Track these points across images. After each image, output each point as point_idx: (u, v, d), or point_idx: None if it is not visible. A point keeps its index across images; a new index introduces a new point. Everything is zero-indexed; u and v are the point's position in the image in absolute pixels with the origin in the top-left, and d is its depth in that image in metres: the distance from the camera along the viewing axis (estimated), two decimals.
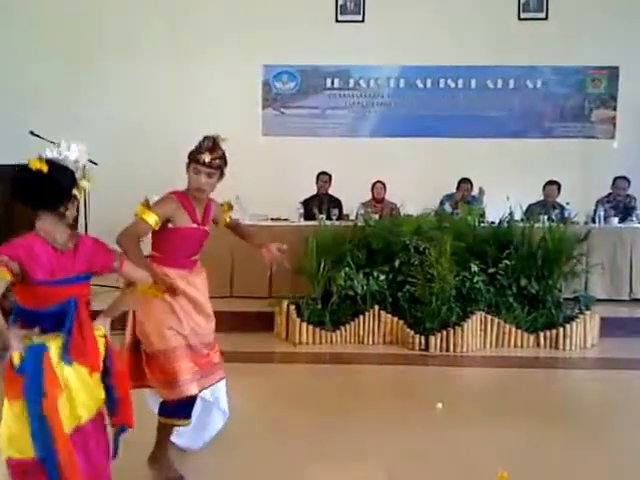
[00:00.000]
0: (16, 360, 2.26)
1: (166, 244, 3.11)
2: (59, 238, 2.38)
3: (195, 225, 3.13)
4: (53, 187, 2.36)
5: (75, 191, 2.43)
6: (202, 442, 3.39)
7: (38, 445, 2.26)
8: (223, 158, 3.16)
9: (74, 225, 2.47)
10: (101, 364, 2.46)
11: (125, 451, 2.67)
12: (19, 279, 2.29)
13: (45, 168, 2.33)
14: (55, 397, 2.29)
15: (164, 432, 3.15)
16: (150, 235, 3.11)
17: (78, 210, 2.46)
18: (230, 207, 3.50)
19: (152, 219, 2.99)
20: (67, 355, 2.32)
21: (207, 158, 3.08)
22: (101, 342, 2.48)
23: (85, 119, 9.11)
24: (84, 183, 2.48)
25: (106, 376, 2.50)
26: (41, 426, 2.25)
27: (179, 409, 3.08)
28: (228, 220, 3.48)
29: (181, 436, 3.33)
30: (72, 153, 2.52)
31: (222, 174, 3.19)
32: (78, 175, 2.46)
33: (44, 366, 2.28)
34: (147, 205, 3.04)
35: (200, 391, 3.13)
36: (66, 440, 2.29)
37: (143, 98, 9.14)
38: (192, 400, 3.10)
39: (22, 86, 8.73)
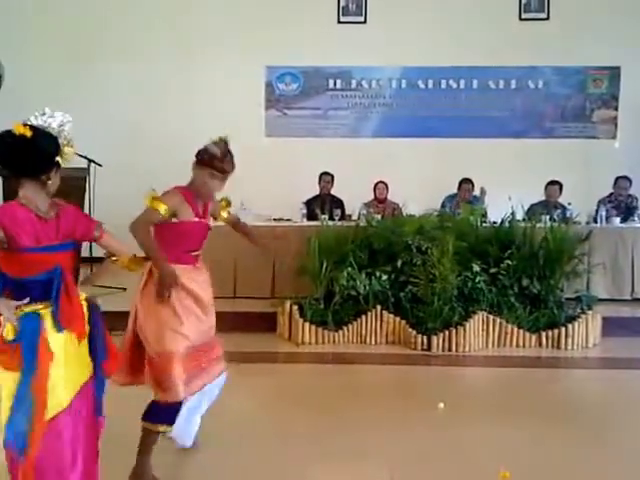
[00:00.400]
0: (10, 332, 2.28)
1: (169, 239, 3.13)
2: (41, 206, 2.37)
3: (197, 219, 3.17)
4: (36, 153, 2.36)
5: (59, 158, 2.44)
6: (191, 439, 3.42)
7: (15, 420, 2.27)
8: (233, 163, 3.21)
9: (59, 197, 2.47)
10: (87, 327, 2.50)
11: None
12: (4, 246, 2.29)
13: (29, 133, 2.33)
14: (45, 374, 2.31)
15: (148, 442, 3.11)
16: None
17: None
18: (228, 203, 3.53)
19: (162, 208, 3.04)
20: (58, 322, 2.36)
21: (227, 167, 3.14)
22: (84, 306, 2.54)
23: (87, 121, 9.09)
24: (68, 150, 2.49)
25: (94, 330, 2.54)
26: (24, 401, 2.27)
27: (167, 413, 3.08)
28: (226, 216, 3.51)
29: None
30: (55, 120, 2.49)
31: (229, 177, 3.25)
32: (61, 142, 2.47)
33: (40, 335, 2.32)
34: (156, 195, 3.09)
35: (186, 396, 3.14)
36: (43, 425, 2.31)
37: (145, 99, 9.17)
38: (180, 405, 3.11)
39: (24, 86, 8.74)
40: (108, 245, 2.64)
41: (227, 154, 3.16)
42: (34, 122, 2.43)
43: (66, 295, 2.39)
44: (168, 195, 3.13)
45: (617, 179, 7.79)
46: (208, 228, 3.29)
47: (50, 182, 2.41)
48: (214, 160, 3.14)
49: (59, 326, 2.36)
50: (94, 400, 2.57)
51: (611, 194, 7.79)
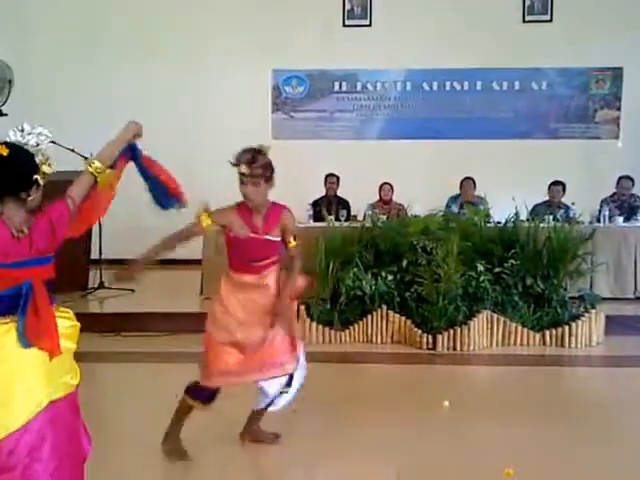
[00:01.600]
0: None
1: (230, 249, 3.32)
2: (17, 223, 2.31)
3: (252, 234, 3.26)
4: (12, 171, 2.32)
5: (37, 176, 2.39)
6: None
7: None
8: (264, 166, 3.26)
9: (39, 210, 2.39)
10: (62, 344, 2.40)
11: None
12: None
13: (5, 152, 2.28)
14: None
15: (182, 412, 3.33)
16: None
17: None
18: (294, 237, 3.48)
19: (205, 222, 3.21)
20: (24, 338, 2.28)
21: (244, 169, 3.23)
22: (65, 324, 2.45)
23: (97, 125, 9.22)
24: (46, 168, 2.45)
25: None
26: None
27: (200, 393, 3.29)
28: (289, 245, 3.45)
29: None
30: (32, 137, 2.46)
31: (268, 180, 3.30)
32: (39, 160, 2.43)
33: (5, 349, 2.27)
34: (206, 209, 3.24)
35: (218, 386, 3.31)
36: None
37: (152, 102, 9.22)
38: (211, 390, 3.29)
39: (31, 88, 8.83)
40: (77, 190, 2.53)
41: (247, 157, 3.22)
42: (12, 138, 2.41)
43: (34, 310, 2.30)
44: (220, 211, 3.30)
45: (620, 179, 7.83)
46: (269, 242, 3.32)
47: (30, 199, 2.37)
48: (236, 165, 3.26)
49: (24, 341, 2.27)
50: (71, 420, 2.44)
51: (614, 194, 7.83)
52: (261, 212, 3.31)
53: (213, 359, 3.23)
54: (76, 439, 2.44)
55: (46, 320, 2.34)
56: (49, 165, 2.49)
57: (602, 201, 7.72)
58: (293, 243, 3.42)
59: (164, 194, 2.94)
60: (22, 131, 2.45)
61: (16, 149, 2.35)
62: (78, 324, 2.55)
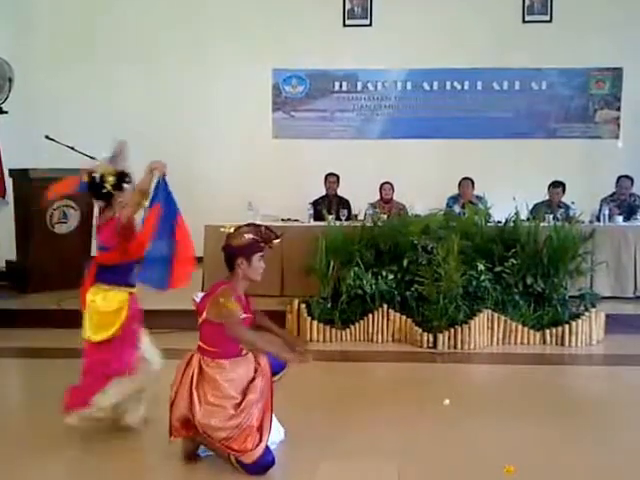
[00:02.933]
0: None
1: (221, 336, 3.18)
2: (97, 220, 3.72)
3: (244, 315, 3.23)
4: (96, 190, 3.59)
5: (107, 187, 3.57)
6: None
7: None
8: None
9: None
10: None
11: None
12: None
13: (87, 179, 3.46)
14: None
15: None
16: (201, 329, 3.24)
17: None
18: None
19: (238, 307, 3.15)
20: None
21: (277, 242, 3.26)
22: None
23: (97, 123, 9.24)
24: (110, 179, 3.58)
25: None
26: None
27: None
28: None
29: None
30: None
31: None
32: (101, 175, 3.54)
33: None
34: (229, 298, 3.15)
35: None
36: None
37: (153, 101, 9.26)
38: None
39: (33, 88, 8.85)
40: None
41: (270, 232, 3.25)
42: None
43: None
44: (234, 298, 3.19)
45: (619, 178, 7.85)
46: (252, 321, 3.34)
47: (119, 200, 3.53)
48: (264, 240, 3.23)
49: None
50: None
51: (614, 193, 7.85)
52: (243, 289, 3.31)
53: None
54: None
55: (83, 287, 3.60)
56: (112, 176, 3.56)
57: (602, 200, 7.74)
58: None
59: (161, 273, 3.40)
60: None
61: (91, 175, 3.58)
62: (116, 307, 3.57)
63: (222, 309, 3.11)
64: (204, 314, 3.20)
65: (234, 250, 3.20)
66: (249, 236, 3.20)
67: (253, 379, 3.24)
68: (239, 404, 3.15)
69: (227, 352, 3.21)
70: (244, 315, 3.20)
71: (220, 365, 3.18)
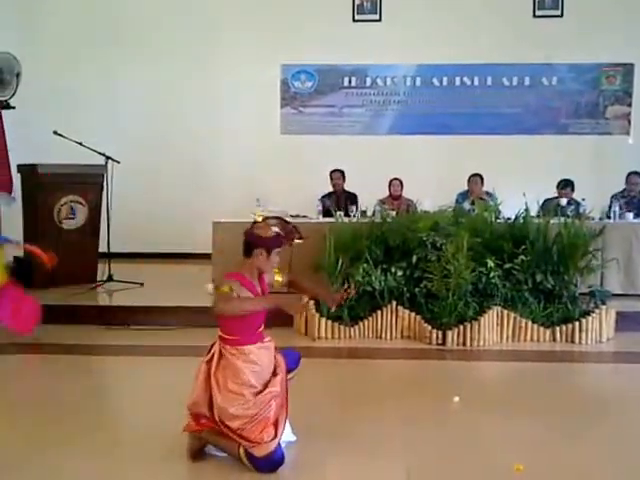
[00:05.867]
0: None
1: (238, 324, 3.19)
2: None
3: (250, 295, 3.22)
4: None
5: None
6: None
7: None
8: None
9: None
10: None
11: None
12: None
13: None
14: None
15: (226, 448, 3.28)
16: (218, 318, 3.22)
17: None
18: (279, 270, 3.48)
19: (227, 287, 3.13)
20: None
21: (298, 239, 3.29)
22: None
23: (107, 118, 9.27)
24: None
25: None
26: None
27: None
28: (281, 280, 3.46)
29: None
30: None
31: None
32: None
33: None
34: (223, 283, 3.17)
35: None
36: None
37: (162, 97, 9.28)
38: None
39: (47, 87, 8.88)
40: None
41: (291, 228, 3.29)
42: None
43: None
44: (230, 281, 3.18)
45: (629, 175, 7.80)
46: None
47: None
48: (287, 236, 3.26)
49: None
50: None
51: (624, 190, 7.80)
52: (255, 276, 3.30)
53: None
54: None
55: None
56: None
57: (612, 197, 7.69)
58: (280, 274, 3.45)
59: None
60: None
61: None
62: None
63: (216, 295, 3.16)
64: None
65: (256, 240, 3.20)
66: (275, 230, 3.20)
67: (276, 374, 3.25)
68: (258, 393, 3.16)
69: (247, 340, 3.21)
70: (248, 295, 3.20)
71: (241, 351, 3.19)
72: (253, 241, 3.21)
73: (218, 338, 3.27)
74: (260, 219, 3.27)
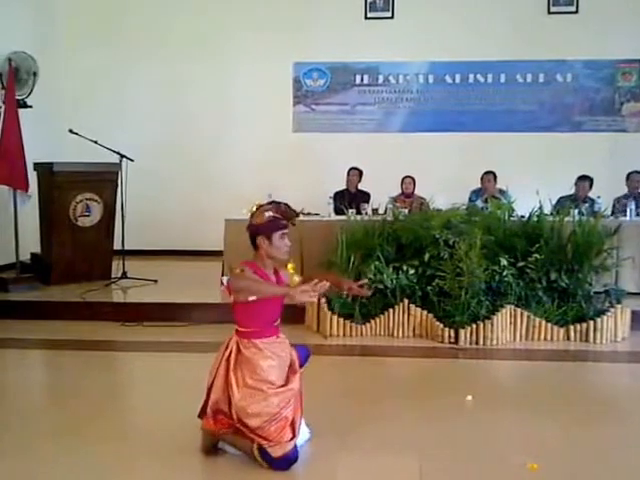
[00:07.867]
0: None
1: (251, 313, 3.18)
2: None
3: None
4: None
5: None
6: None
7: None
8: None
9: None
10: None
11: None
12: None
13: None
14: None
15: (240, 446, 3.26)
16: (234, 311, 3.21)
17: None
18: (294, 270, 3.49)
19: (240, 269, 3.13)
20: None
21: (295, 221, 3.24)
22: None
23: (121, 118, 9.32)
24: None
25: None
26: None
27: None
28: (298, 280, 3.41)
29: None
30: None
31: None
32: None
33: None
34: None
35: None
36: None
37: (173, 95, 9.33)
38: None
39: (54, 80, 8.91)
40: None
41: (290, 209, 3.23)
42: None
43: None
44: (244, 267, 3.17)
45: (629, 175, 7.75)
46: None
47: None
48: (284, 217, 3.21)
49: None
50: None
51: (628, 192, 7.72)
52: (271, 268, 3.27)
53: None
54: None
55: None
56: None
57: (614, 200, 7.61)
58: (295, 275, 3.44)
59: None
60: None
61: None
62: None
63: (230, 275, 3.14)
64: (232, 295, 3.17)
65: (254, 228, 3.21)
66: (268, 214, 3.19)
67: (294, 370, 3.25)
68: (278, 390, 3.15)
69: (262, 333, 3.20)
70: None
71: (256, 345, 3.17)
72: (253, 231, 3.21)
73: (235, 333, 3.26)
74: (254, 209, 3.26)
